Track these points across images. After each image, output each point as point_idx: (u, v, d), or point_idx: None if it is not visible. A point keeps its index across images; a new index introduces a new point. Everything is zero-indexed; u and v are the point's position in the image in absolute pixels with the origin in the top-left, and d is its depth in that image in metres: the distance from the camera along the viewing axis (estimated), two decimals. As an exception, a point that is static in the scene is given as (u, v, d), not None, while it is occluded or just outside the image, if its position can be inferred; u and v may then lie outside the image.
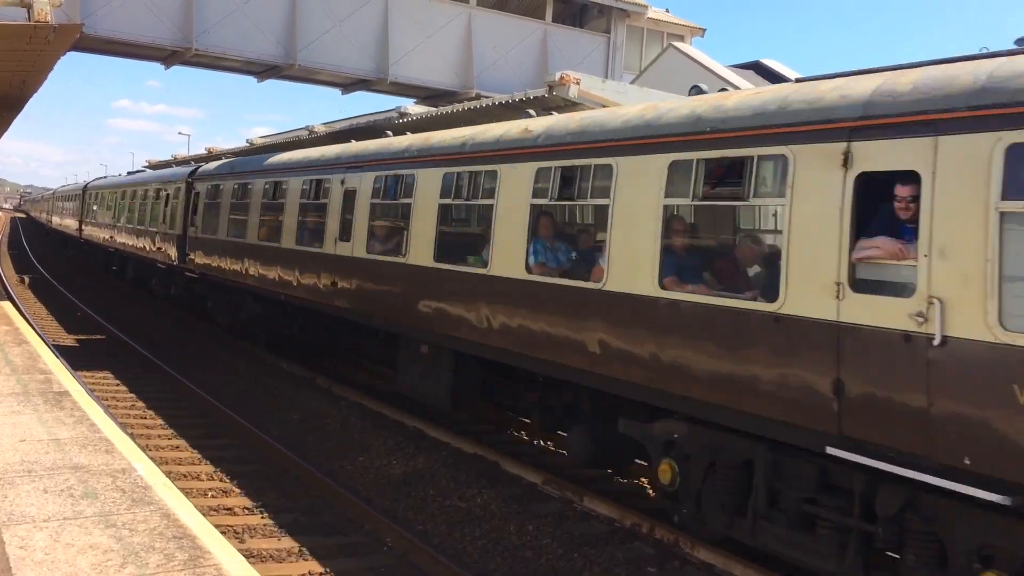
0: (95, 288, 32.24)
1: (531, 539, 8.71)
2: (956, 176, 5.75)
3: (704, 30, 33.42)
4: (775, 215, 7.51)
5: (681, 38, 31.84)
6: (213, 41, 24.67)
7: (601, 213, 8.87)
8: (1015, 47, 6.31)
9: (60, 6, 11.91)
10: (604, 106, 13.82)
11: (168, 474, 8.41)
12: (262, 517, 9.12)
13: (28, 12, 11.50)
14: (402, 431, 12.55)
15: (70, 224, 46.81)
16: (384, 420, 13.20)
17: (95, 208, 37.34)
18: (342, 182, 14.02)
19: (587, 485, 10.15)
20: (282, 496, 9.84)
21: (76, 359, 16.10)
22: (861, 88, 6.58)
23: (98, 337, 20.74)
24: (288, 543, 8.41)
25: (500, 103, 16.21)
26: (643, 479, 10.82)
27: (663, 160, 8.00)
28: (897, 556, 6.52)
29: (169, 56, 25.72)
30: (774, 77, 22.87)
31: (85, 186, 41.68)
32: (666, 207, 7.98)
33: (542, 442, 12.52)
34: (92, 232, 37.46)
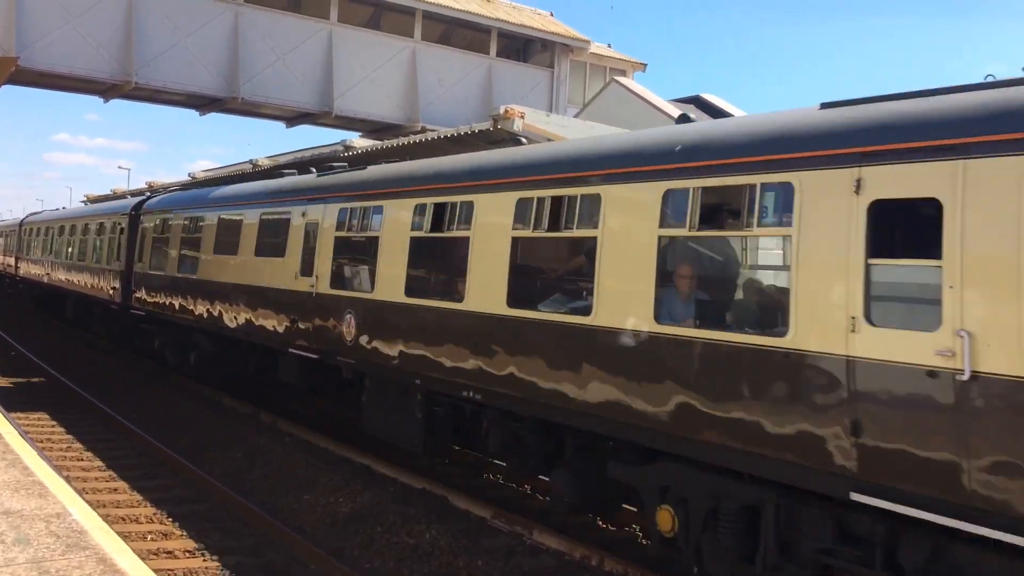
0: (32, 328, 31.33)
1: (480, 574, 8.63)
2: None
3: (645, 65, 34.10)
4: None
5: (623, 73, 32.43)
6: (154, 74, 24.40)
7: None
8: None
9: (-6, 39, 11.69)
10: (549, 139, 13.97)
11: (106, 517, 8.17)
12: (204, 560, 8.88)
13: (-39, 45, 11.25)
14: (349, 467, 12.37)
15: (84, 280, 25.79)
16: (330, 456, 13.01)
17: (176, 251, 19.07)
18: None
19: (537, 518, 10.11)
20: (226, 537, 9.61)
21: (10, 401, 15.61)
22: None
23: (34, 378, 20.12)
24: (231, 585, 8.20)
25: (445, 136, 16.29)
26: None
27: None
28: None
29: (108, 89, 25.38)
30: (714, 111, 23.38)
31: (141, 204, 22.69)
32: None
33: (490, 475, 12.45)
34: (168, 302, 18.95)
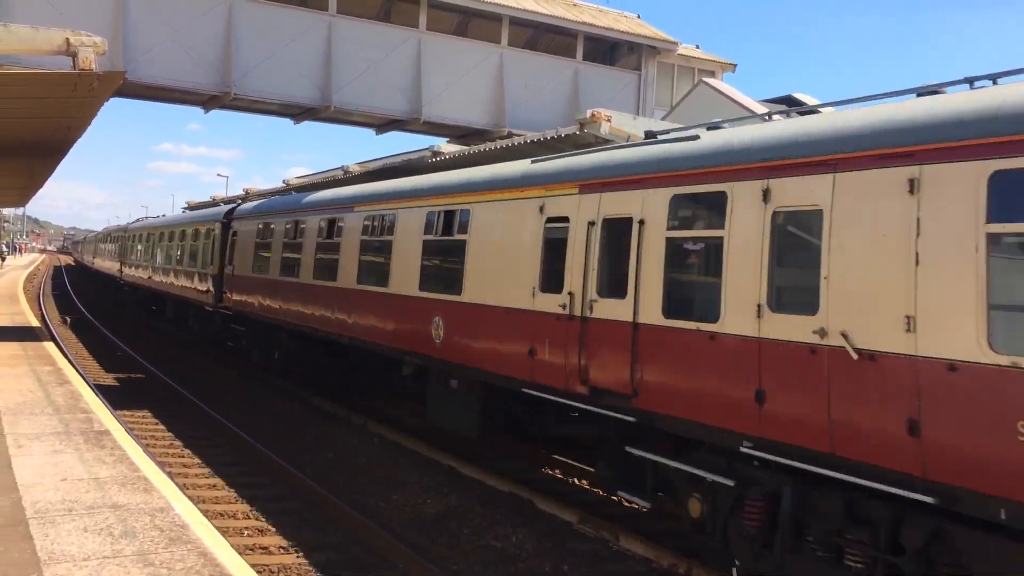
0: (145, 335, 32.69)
1: (566, 579, 8.63)
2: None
3: (735, 65, 33.55)
4: None
5: (712, 74, 31.96)
6: (251, 85, 25.27)
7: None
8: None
9: (104, 54, 12.27)
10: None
11: (205, 513, 8.47)
12: (297, 556, 9.14)
13: (73, 60, 11.85)
14: (436, 469, 12.54)
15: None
16: (418, 458, 13.21)
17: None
18: None
19: (623, 523, 10.05)
20: (317, 534, 9.87)
21: (116, 399, 16.35)
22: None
23: (138, 377, 21.04)
24: (323, 582, 8.42)
25: (532, 141, 16.34)
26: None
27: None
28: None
29: (208, 100, 26.38)
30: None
31: None
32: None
33: (575, 480, 12.44)
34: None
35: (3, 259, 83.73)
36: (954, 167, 6.07)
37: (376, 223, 14.80)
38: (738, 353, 7.47)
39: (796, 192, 7.21)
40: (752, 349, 7.34)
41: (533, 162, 11.36)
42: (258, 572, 6.96)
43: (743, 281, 7.50)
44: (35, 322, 26.10)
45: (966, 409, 5.84)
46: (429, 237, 12.98)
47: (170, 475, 10.13)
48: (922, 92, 7.06)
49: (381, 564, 9.00)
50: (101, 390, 15.93)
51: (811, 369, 6.85)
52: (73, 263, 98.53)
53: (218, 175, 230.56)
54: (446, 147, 21.10)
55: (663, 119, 24.10)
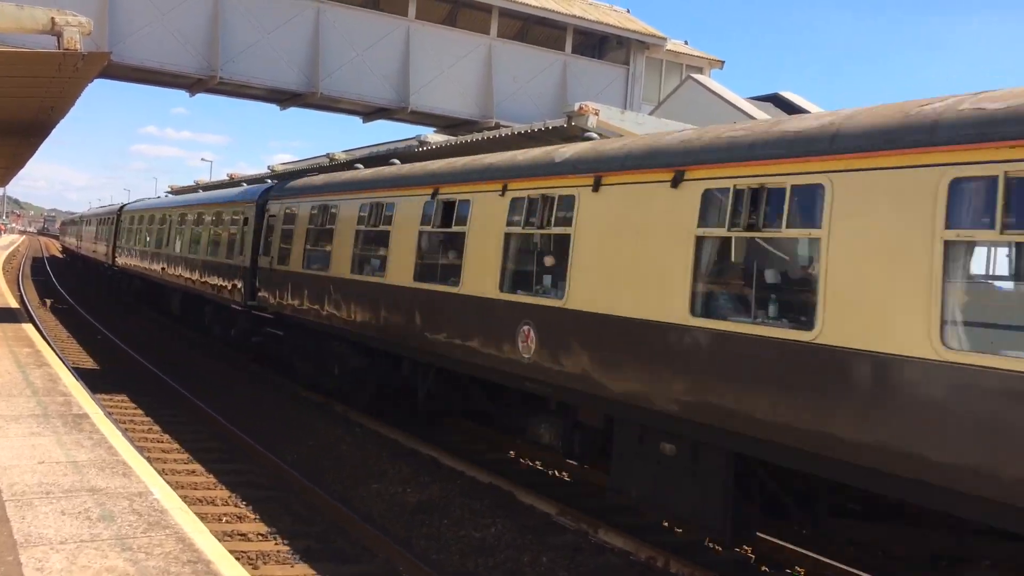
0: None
1: (545, 571, 8.65)
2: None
3: (723, 62, 33.60)
4: None
5: (700, 70, 32.01)
6: (238, 69, 25.08)
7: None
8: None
9: (89, 34, 12.13)
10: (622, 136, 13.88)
11: (184, 498, 8.43)
12: (276, 543, 9.11)
13: (58, 40, 11.71)
14: (417, 459, 12.53)
15: None
16: (399, 448, 13.19)
17: None
18: None
19: (602, 516, 10.09)
20: (296, 522, 9.84)
21: (95, 382, 16.22)
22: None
23: (117, 360, 20.89)
24: (301, 570, 8.40)
25: (520, 132, 16.32)
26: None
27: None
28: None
29: (194, 84, 26.18)
30: (793, 109, 22.90)
31: None
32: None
33: (556, 472, 12.47)
34: None
35: None
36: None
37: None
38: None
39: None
40: None
41: None
42: (237, 558, 6.93)
43: None
44: (14, 303, 25.85)
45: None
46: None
47: (149, 459, 10.06)
48: None
49: (361, 554, 9.00)
50: (80, 373, 15.80)
51: None
52: (61, 253, 76.36)
53: (202, 159, 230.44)
54: (433, 137, 21.02)
55: (650, 114, 24.13)
